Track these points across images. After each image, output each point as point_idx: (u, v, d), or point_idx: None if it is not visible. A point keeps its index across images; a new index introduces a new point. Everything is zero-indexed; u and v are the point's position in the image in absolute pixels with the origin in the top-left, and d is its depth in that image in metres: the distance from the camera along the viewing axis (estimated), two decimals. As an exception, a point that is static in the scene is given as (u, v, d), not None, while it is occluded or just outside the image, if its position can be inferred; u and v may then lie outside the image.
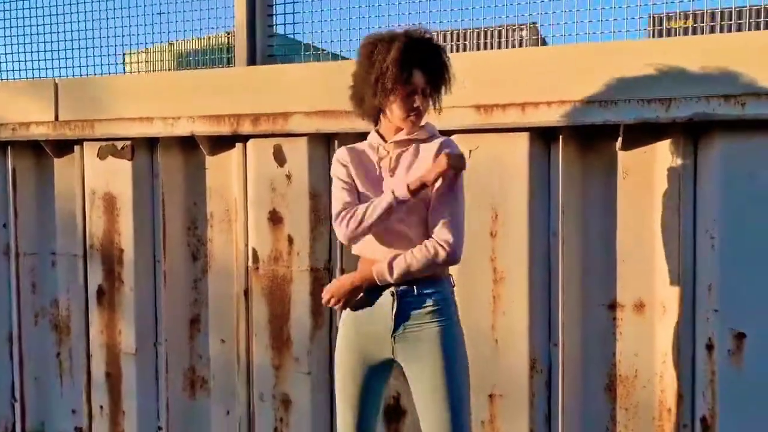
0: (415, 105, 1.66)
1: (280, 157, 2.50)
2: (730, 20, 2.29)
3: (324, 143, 2.48)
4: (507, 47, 3.27)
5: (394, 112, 1.68)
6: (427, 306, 1.70)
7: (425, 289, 1.70)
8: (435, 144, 1.72)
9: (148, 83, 2.79)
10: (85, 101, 2.79)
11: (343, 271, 2.43)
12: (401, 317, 1.70)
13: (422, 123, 1.75)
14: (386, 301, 1.72)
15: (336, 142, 2.41)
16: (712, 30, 2.34)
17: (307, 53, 2.73)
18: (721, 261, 2.00)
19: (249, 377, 2.62)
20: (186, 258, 2.84)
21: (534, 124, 2.14)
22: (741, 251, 1.98)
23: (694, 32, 2.51)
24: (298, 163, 2.46)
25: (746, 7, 2.34)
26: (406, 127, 1.72)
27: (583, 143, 2.22)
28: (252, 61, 2.65)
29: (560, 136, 2.16)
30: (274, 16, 2.68)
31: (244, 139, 2.59)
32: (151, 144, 2.78)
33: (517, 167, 2.18)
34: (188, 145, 2.75)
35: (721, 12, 2.29)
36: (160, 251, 2.77)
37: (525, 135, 2.16)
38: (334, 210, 1.73)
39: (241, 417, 2.64)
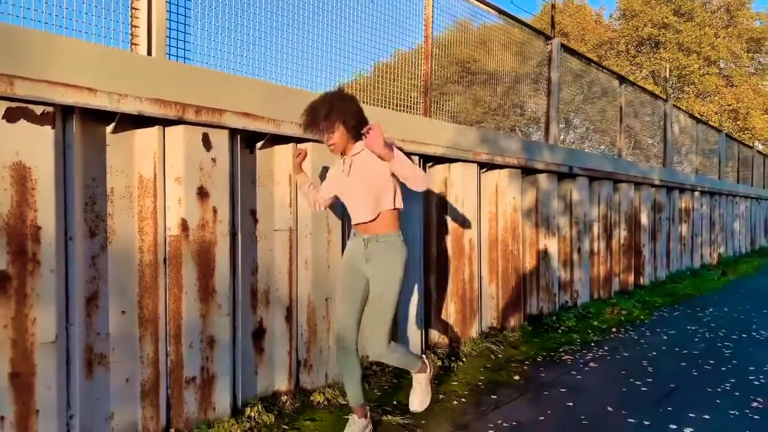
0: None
1: (207, 143, 3.05)
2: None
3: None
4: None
5: None
6: None
7: None
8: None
9: (95, 54, 2.52)
10: (4, 53, 2.27)
11: (248, 235, 3.30)
12: None
13: None
14: None
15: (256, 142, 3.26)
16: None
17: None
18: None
19: (168, 332, 2.96)
20: (84, 235, 2.71)
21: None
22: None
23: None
24: (222, 150, 3.12)
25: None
26: None
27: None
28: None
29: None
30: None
31: (163, 123, 2.93)
32: (63, 114, 2.54)
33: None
34: (89, 118, 2.72)
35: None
36: (74, 229, 2.59)
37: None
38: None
39: (146, 378, 2.93)
